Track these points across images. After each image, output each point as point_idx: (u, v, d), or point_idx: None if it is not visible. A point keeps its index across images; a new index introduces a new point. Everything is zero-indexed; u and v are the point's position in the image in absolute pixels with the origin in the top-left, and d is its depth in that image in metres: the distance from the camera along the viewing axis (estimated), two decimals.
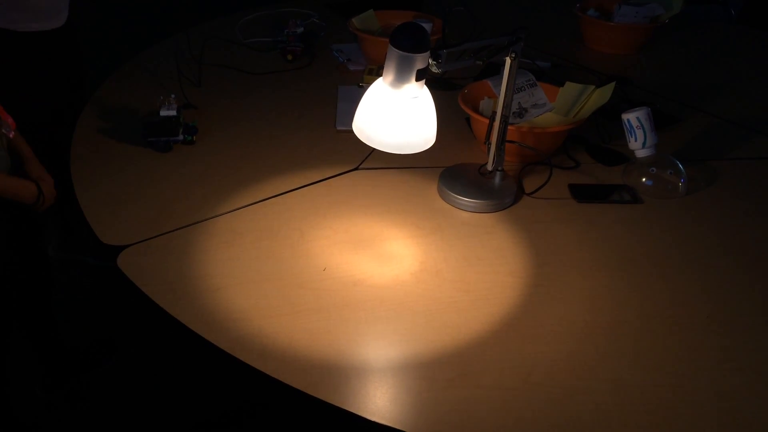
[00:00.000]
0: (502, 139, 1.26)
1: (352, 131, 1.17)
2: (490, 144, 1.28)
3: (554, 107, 1.47)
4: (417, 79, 1.05)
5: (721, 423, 0.86)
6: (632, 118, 1.35)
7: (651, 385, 0.91)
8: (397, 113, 1.07)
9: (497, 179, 1.30)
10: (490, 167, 1.30)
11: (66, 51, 1.69)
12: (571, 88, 1.49)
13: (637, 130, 1.35)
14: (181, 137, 1.39)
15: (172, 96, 1.40)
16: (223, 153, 1.41)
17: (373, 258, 1.13)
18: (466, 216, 1.25)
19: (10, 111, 1.31)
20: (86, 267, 2.25)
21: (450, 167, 1.35)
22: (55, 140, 1.84)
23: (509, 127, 1.27)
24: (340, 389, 0.89)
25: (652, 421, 0.86)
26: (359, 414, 0.86)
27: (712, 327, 1.01)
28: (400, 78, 1.05)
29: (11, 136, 1.31)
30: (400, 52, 1.02)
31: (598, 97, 1.45)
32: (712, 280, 1.11)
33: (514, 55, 1.16)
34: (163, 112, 1.39)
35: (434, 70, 1.06)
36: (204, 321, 0.98)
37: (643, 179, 1.35)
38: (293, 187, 1.30)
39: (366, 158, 1.41)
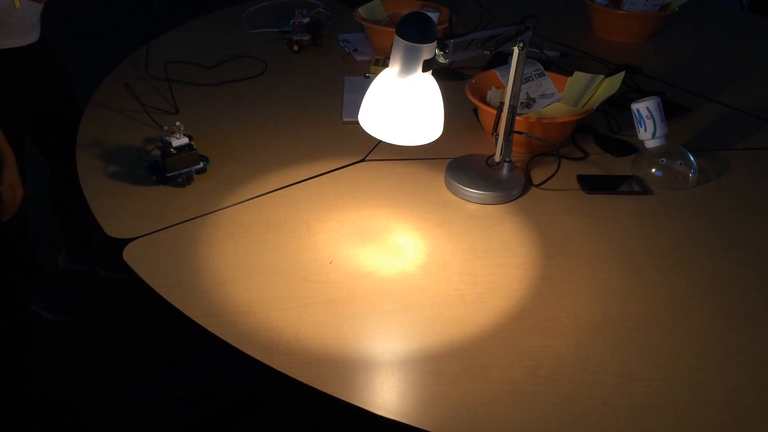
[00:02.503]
0: (509, 130, 1.24)
1: (358, 122, 1.16)
2: (497, 135, 1.27)
3: (563, 97, 1.46)
4: (424, 70, 1.03)
5: (732, 417, 0.85)
6: (642, 107, 1.33)
7: (660, 379, 0.90)
8: (403, 104, 1.06)
9: (505, 170, 1.29)
10: (497, 158, 1.29)
11: (43, 67, 1.69)
12: (579, 77, 1.48)
13: (647, 120, 1.33)
14: (201, 165, 1.27)
15: (178, 123, 1.26)
16: (227, 145, 1.40)
17: (380, 251, 1.12)
18: (474, 208, 1.24)
19: None
20: (97, 278, 2.24)
21: (457, 158, 1.34)
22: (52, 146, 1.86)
23: (517, 118, 1.26)
24: (347, 383, 0.88)
25: (661, 415, 0.85)
26: (366, 408, 0.85)
27: (722, 320, 1.00)
28: (407, 68, 1.03)
29: None
30: (407, 42, 1.01)
31: (608, 86, 1.43)
32: (723, 272, 1.10)
33: (522, 45, 1.14)
34: (176, 142, 1.24)
35: (441, 60, 1.05)
36: (210, 314, 0.98)
37: (653, 170, 1.33)
38: (299, 179, 1.30)
39: (372, 150, 1.40)
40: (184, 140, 1.24)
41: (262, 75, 1.72)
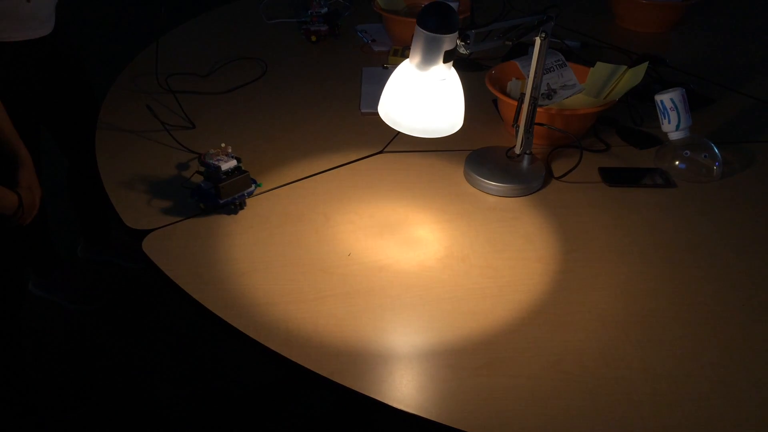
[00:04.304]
0: (530, 122, 1.23)
1: (376, 114, 1.15)
2: (518, 127, 1.25)
3: (584, 88, 1.43)
4: (445, 61, 1.02)
5: (759, 415, 0.83)
6: (666, 99, 1.31)
7: (684, 375, 0.89)
8: (424, 96, 1.05)
9: (525, 163, 1.27)
10: (518, 150, 1.28)
11: (57, 59, 1.67)
12: (601, 68, 1.45)
13: (671, 112, 1.31)
14: (252, 188, 1.19)
15: (223, 145, 1.18)
16: (246, 137, 1.40)
17: (399, 243, 1.11)
18: (493, 200, 1.22)
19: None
20: (116, 269, 2.25)
21: (477, 150, 1.33)
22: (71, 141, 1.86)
23: (538, 109, 1.24)
24: (366, 376, 0.88)
25: (686, 412, 0.84)
26: (384, 402, 0.85)
27: (748, 315, 0.98)
28: (428, 60, 1.02)
29: None
30: (428, 33, 0.99)
31: (630, 77, 1.41)
32: (748, 266, 1.08)
33: (544, 35, 1.12)
34: (225, 165, 1.14)
35: (462, 51, 1.03)
36: (229, 306, 0.98)
37: (677, 162, 1.31)
38: (317, 171, 1.29)
39: (391, 141, 1.39)
40: (233, 162, 1.15)
41: (279, 67, 1.72)
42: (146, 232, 1.11)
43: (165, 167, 1.28)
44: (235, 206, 1.17)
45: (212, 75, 1.65)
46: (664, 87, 1.40)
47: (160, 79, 1.59)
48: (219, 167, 1.14)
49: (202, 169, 1.17)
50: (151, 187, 1.23)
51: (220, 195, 1.13)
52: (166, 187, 1.23)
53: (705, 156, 1.30)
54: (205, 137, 1.38)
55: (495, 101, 1.55)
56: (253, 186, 1.19)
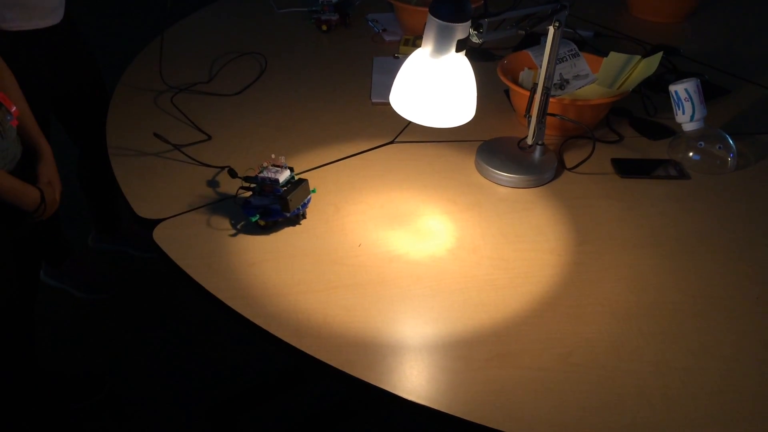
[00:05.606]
0: (543, 112, 1.22)
1: (387, 104, 1.15)
2: (530, 117, 1.24)
3: (597, 78, 1.42)
4: (457, 50, 1.01)
5: None
6: (680, 89, 1.30)
7: (696, 369, 0.88)
8: (436, 85, 1.04)
9: (537, 153, 1.26)
10: (530, 141, 1.27)
11: (67, 48, 1.66)
12: (615, 58, 1.44)
13: (685, 103, 1.30)
14: (310, 195, 1.15)
15: (273, 155, 1.15)
16: (256, 126, 1.40)
17: (409, 234, 1.11)
18: (505, 191, 1.22)
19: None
20: (127, 258, 2.26)
21: (488, 141, 1.32)
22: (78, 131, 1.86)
23: (550, 100, 1.23)
24: (376, 367, 0.87)
25: (697, 405, 0.83)
26: (395, 393, 0.84)
27: (761, 309, 0.97)
28: (440, 49, 1.01)
29: (14, 124, 1.24)
30: (441, 21, 0.98)
31: (644, 67, 1.39)
32: (762, 259, 1.07)
33: (557, 24, 1.11)
34: (282, 177, 1.10)
35: (475, 40, 1.02)
36: (239, 296, 0.98)
37: (691, 154, 1.30)
38: (328, 161, 1.28)
39: (402, 131, 1.38)
40: (286, 173, 1.12)
41: (289, 56, 1.71)
42: (157, 222, 1.11)
43: (175, 156, 1.28)
44: (297, 217, 1.12)
45: (222, 70, 1.63)
46: (679, 77, 1.39)
47: (164, 80, 1.55)
48: (277, 180, 1.09)
49: (246, 184, 1.13)
50: (162, 176, 1.22)
51: (288, 208, 1.08)
52: (176, 177, 1.22)
53: (719, 147, 1.29)
54: (220, 145, 1.36)
55: (507, 91, 1.53)
56: (310, 194, 1.15)
